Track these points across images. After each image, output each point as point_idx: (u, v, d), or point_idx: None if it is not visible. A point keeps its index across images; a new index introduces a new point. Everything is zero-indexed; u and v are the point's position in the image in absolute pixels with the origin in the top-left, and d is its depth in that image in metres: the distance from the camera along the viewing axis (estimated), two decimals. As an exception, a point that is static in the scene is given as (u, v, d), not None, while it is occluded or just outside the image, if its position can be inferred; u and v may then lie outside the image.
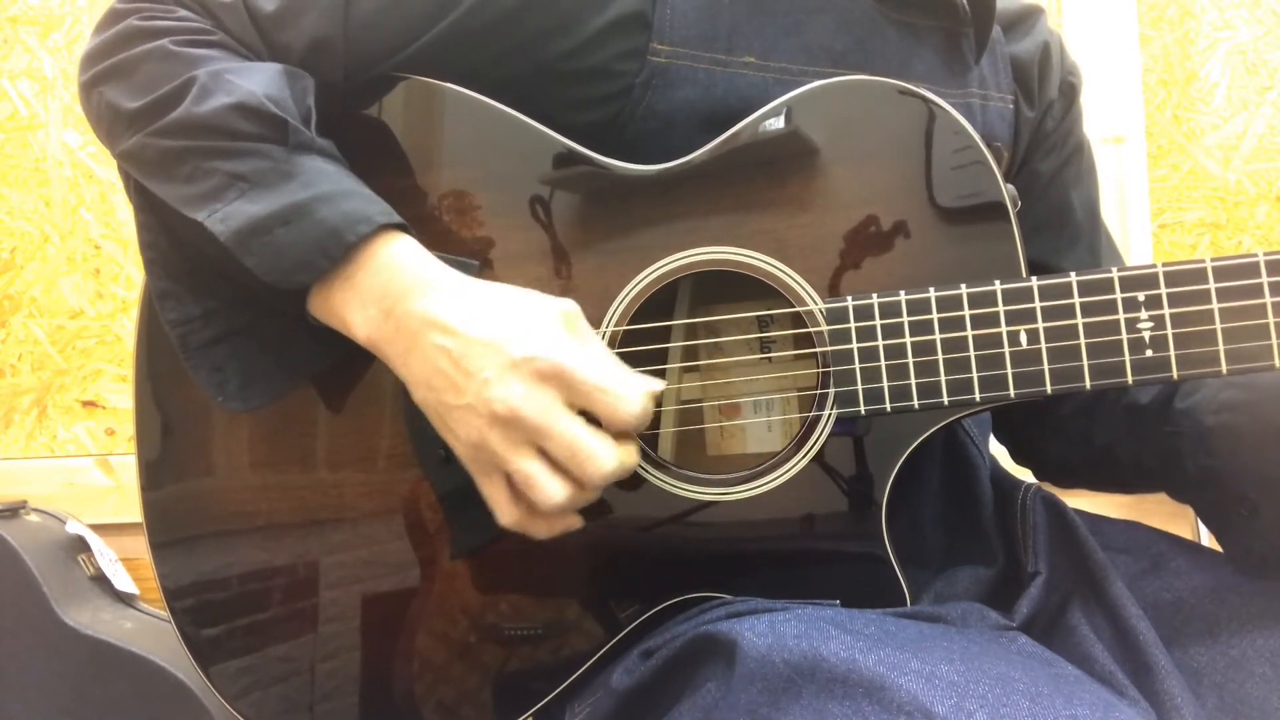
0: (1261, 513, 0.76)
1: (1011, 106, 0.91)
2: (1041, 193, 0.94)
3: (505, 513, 0.71)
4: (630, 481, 0.75)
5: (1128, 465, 0.87)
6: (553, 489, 0.67)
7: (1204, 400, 0.80)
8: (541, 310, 0.69)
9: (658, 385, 0.70)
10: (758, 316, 0.81)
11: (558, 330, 0.69)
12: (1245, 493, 0.77)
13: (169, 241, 0.77)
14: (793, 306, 0.74)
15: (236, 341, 0.77)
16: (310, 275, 0.71)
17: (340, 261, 0.71)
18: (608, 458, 0.67)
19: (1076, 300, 0.69)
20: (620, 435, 0.69)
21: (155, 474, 0.85)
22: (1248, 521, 0.78)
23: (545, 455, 0.68)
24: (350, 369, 0.81)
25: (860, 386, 0.72)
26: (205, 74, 0.73)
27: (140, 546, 0.85)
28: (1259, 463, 0.75)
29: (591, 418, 0.68)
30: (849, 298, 0.72)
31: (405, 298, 0.70)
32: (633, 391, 0.68)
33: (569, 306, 0.70)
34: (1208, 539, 1.42)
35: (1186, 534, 0.88)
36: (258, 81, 0.73)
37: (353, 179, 0.74)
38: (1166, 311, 0.68)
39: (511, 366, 0.67)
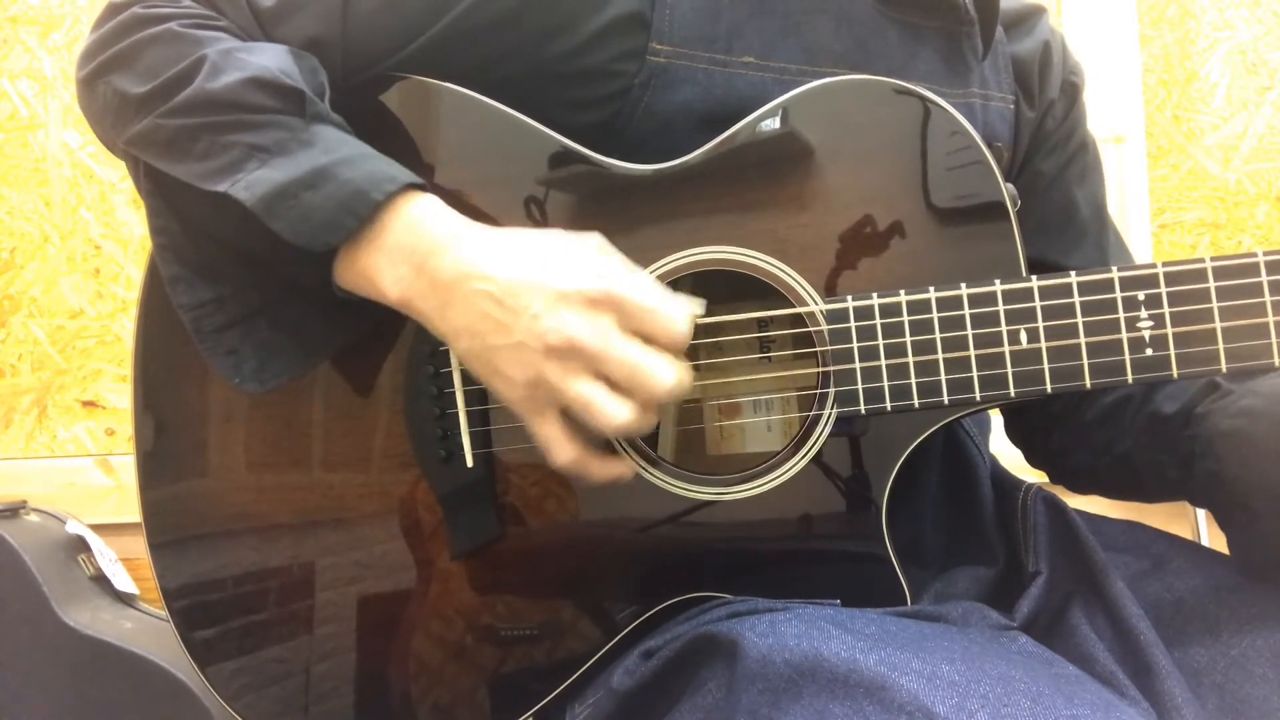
0: (1260, 521, 0.76)
1: (1012, 107, 0.91)
2: (1045, 192, 0.94)
3: (562, 451, 0.71)
4: (630, 481, 0.75)
5: (1148, 474, 0.86)
6: (617, 409, 0.67)
7: (1224, 406, 0.79)
8: (576, 244, 0.70)
9: (699, 305, 0.71)
10: (757, 317, 0.81)
11: (596, 259, 0.69)
12: (1246, 500, 0.77)
13: (180, 226, 0.77)
14: (793, 306, 0.74)
15: (250, 324, 0.77)
16: (338, 235, 0.71)
17: (367, 221, 0.71)
18: (669, 372, 0.67)
19: (1076, 300, 0.69)
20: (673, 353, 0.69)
21: (154, 474, 0.85)
22: (1247, 527, 0.78)
23: (603, 380, 0.68)
24: (350, 369, 0.81)
25: (860, 386, 0.72)
26: (215, 52, 0.73)
27: (140, 546, 0.85)
28: (1263, 472, 0.75)
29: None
30: (849, 298, 0.72)
31: (436, 252, 0.70)
32: (680, 310, 0.68)
33: (597, 238, 0.71)
34: (1208, 539, 1.42)
35: (1186, 534, 0.88)
36: (269, 57, 0.74)
37: (369, 147, 0.74)
38: (1166, 311, 0.68)
39: (560, 298, 0.67)
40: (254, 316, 0.77)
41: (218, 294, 0.76)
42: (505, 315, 0.68)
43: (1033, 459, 0.99)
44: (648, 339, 0.68)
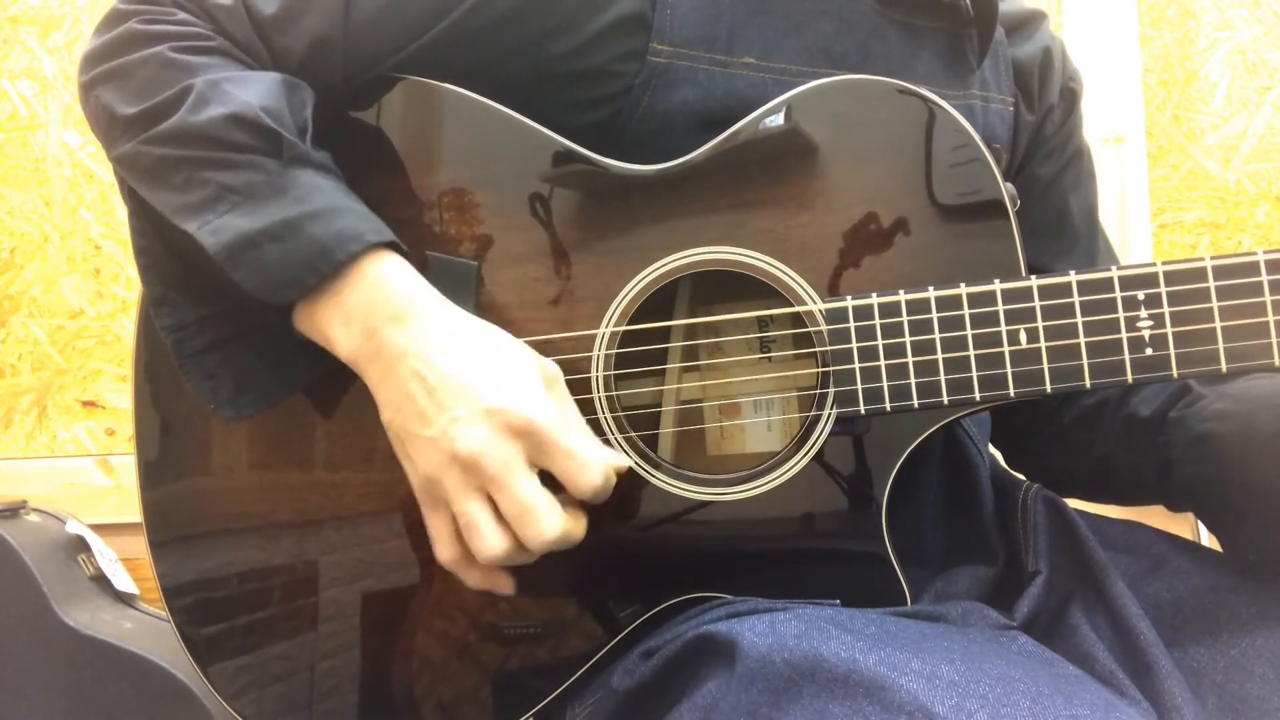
0: (1246, 521, 0.76)
1: (1012, 109, 0.91)
2: (1040, 197, 0.94)
3: (444, 550, 0.72)
4: (631, 481, 0.75)
5: (1125, 477, 0.87)
6: (493, 540, 0.68)
7: (1198, 409, 0.80)
8: (524, 365, 0.70)
9: (623, 462, 0.72)
10: (757, 316, 0.81)
11: (537, 387, 0.69)
12: (1231, 501, 0.77)
13: (163, 247, 0.77)
14: (792, 306, 0.74)
15: (230, 349, 0.77)
16: (298, 292, 0.71)
17: (328, 278, 0.71)
18: (554, 525, 0.68)
19: (1076, 299, 0.69)
20: (572, 504, 0.70)
21: (155, 473, 0.85)
22: (1235, 528, 0.78)
23: (494, 506, 0.68)
24: (349, 371, 0.81)
25: (860, 386, 0.72)
26: (202, 83, 0.73)
27: (140, 546, 0.85)
28: (1244, 471, 0.76)
29: (550, 482, 0.69)
30: (848, 298, 0.72)
31: (390, 321, 0.70)
32: (597, 461, 0.69)
33: (551, 368, 0.72)
34: (1208, 539, 1.42)
35: (1186, 534, 0.88)
36: (254, 92, 0.73)
37: (346, 194, 0.74)
38: (1166, 310, 0.68)
39: (485, 413, 0.67)
40: (235, 340, 0.77)
41: (199, 315, 0.77)
42: (430, 407, 0.68)
43: (1011, 461, 1.00)
44: (560, 481, 0.69)
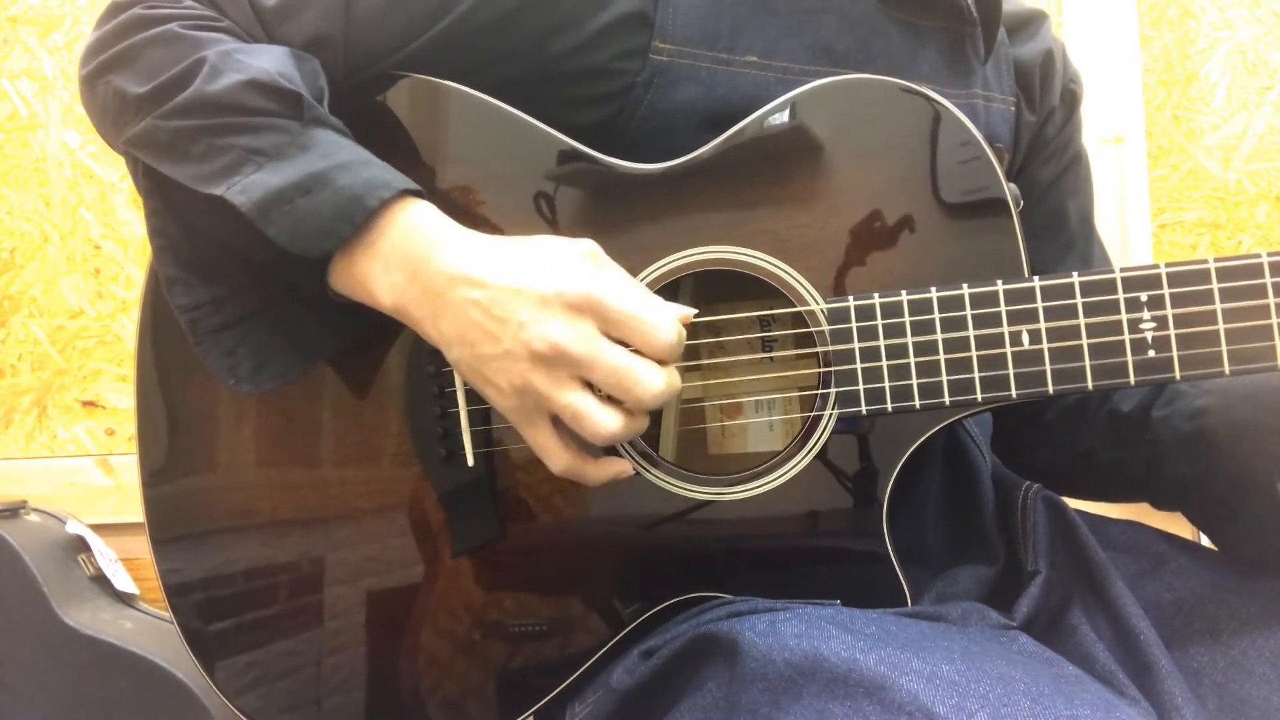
0: (1240, 516, 0.76)
1: (1013, 109, 0.91)
2: (1038, 200, 0.95)
3: (557, 458, 0.70)
4: (632, 481, 0.75)
5: (1110, 473, 0.87)
6: (605, 418, 0.67)
7: (1180, 408, 0.80)
8: (564, 249, 0.69)
9: (689, 311, 0.70)
10: (759, 316, 0.81)
11: (583, 264, 0.68)
12: (1223, 497, 0.77)
13: (178, 227, 0.76)
14: (794, 306, 0.74)
15: (247, 326, 0.77)
16: (333, 243, 0.70)
17: (362, 228, 0.70)
18: (656, 379, 0.66)
19: (1079, 300, 0.69)
20: (659, 361, 0.68)
21: (157, 470, 0.85)
22: (1229, 525, 0.78)
23: (591, 388, 0.67)
24: (352, 367, 0.81)
25: (862, 386, 0.72)
26: (214, 54, 0.73)
27: (140, 546, 0.85)
28: (1233, 466, 0.76)
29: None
30: (850, 297, 0.72)
31: (429, 259, 0.70)
32: (666, 318, 0.67)
33: (589, 245, 0.70)
34: (1207, 539, 1.42)
35: (1186, 534, 0.88)
36: (268, 60, 0.74)
37: (367, 152, 0.74)
38: (1169, 312, 0.68)
39: (543, 303, 0.66)
40: (251, 318, 0.77)
41: (215, 295, 0.76)
42: (493, 324, 0.67)
43: (1001, 458, 1.00)
44: (633, 345, 0.68)
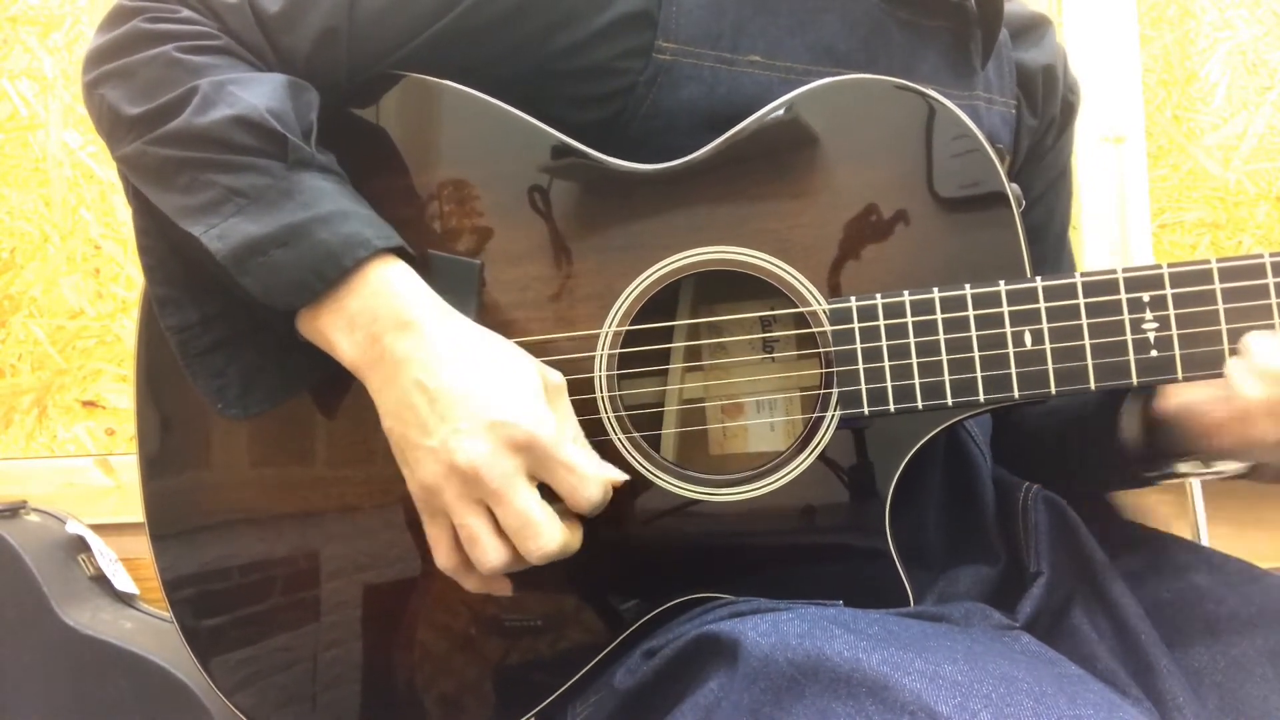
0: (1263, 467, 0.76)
1: (1014, 112, 0.91)
2: (1029, 207, 0.95)
3: (443, 558, 0.72)
4: (634, 482, 0.75)
5: (1085, 452, 0.86)
6: (493, 552, 0.68)
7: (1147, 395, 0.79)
8: (528, 377, 0.70)
9: (620, 476, 0.72)
10: (760, 316, 0.81)
11: (539, 401, 0.69)
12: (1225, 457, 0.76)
13: (167, 247, 0.76)
14: (796, 306, 0.74)
15: (235, 348, 0.77)
16: (304, 298, 0.71)
17: (333, 284, 0.71)
18: (553, 538, 0.68)
19: (1081, 301, 0.69)
20: (569, 515, 0.70)
21: (156, 466, 0.85)
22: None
23: (494, 518, 0.69)
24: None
25: (863, 387, 0.72)
26: (208, 84, 0.73)
27: (140, 546, 0.86)
28: (1228, 432, 0.74)
29: (546, 492, 0.69)
30: (852, 298, 0.72)
31: (393, 329, 0.70)
32: (597, 478, 0.69)
33: (555, 379, 0.72)
34: (1208, 539, 1.42)
35: (1186, 534, 0.88)
36: (260, 94, 0.73)
37: (352, 197, 0.74)
38: (1172, 312, 0.68)
39: (487, 426, 0.67)
40: (240, 339, 0.77)
41: (204, 314, 0.76)
42: (431, 418, 0.68)
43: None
44: (559, 492, 0.69)
